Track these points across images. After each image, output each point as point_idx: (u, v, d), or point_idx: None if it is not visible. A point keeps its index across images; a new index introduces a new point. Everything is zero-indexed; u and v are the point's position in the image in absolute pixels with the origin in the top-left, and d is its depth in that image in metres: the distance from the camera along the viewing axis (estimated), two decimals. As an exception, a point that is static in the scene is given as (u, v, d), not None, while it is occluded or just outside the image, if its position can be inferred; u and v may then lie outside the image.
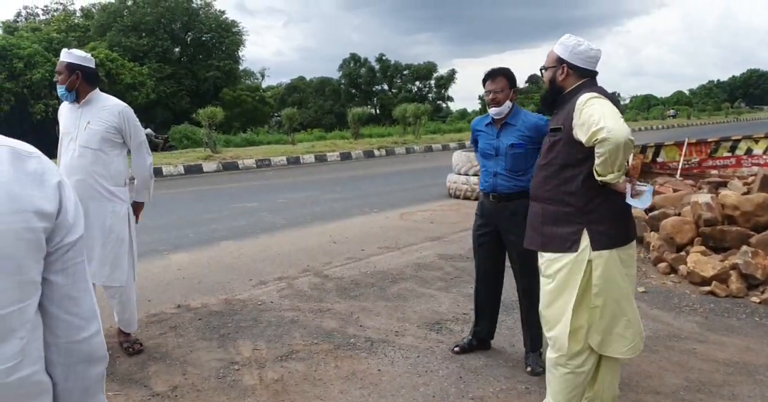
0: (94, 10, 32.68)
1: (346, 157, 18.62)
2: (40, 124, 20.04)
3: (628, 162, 2.25)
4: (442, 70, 52.37)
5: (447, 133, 30.21)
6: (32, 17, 35.43)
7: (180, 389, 3.08)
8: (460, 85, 63.55)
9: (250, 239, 6.86)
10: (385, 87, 46.03)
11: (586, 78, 2.42)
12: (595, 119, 2.15)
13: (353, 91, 45.01)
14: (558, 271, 2.36)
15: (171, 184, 12.97)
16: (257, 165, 16.37)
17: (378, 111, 42.38)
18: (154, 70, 27.14)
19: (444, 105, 50.76)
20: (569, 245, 2.32)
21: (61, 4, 36.41)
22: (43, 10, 36.31)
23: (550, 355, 2.49)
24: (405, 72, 45.85)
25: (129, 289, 3.54)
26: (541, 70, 2.57)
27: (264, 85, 44.50)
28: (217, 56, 32.33)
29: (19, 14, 35.79)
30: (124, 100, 3.62)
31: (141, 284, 4.75)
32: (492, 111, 3.14)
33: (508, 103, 3.11)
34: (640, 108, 63.27)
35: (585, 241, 2.29)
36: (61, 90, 3.38)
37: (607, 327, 2.36)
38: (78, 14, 34.37)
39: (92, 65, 3.43)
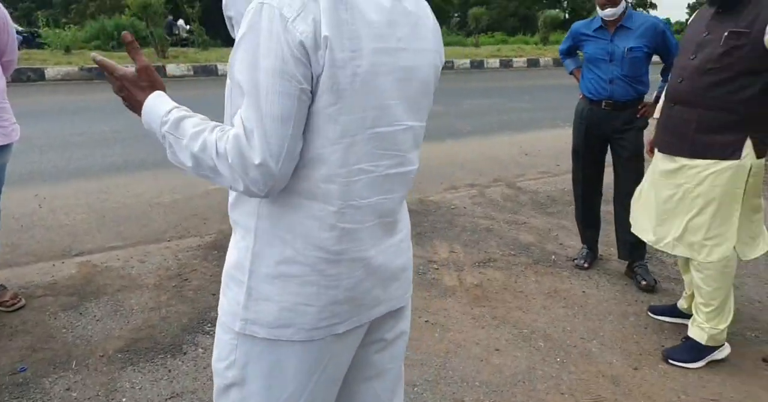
0: None
1: (533, 63, 17.55)
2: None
3: None
4: (648, -27, 46.11)
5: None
6: None
7: (384, 279, 3.24)
8: (667, -10, 55.60)
9: (437, 143, 6.84)
10: (579, -11, 41.61)
11: None
12: None
13: (542, -9, 41.44)
14: (713, 177, 2.27)
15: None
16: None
17: (568, 16, 38.72)
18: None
19: (645, 12, 45.19)
20: (731, 152, 2.25)
21: None
22: None
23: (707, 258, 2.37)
24: (605, -27, 40.86)
25: None
26: None
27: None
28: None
29: None
30: None
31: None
32: (606, 12, 3.00)
33: (623, 4, 2.98)
34: None
35: (747, 148, 2.24)
36: None
37: (745, 232, 2.37)
38: None
39: None
